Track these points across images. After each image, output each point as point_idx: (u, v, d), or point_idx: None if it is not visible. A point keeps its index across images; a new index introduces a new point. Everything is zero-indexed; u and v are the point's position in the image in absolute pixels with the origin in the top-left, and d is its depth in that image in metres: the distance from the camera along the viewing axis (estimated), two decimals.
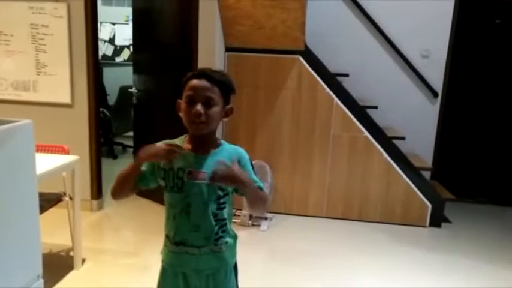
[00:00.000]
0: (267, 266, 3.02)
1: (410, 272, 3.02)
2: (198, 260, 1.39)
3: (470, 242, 3.57)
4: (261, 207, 1.41)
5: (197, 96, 1.32)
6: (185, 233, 1.38)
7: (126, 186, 1.39)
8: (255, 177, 1.39)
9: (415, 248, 3.43)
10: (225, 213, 1.41)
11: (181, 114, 1.37)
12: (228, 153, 1.39)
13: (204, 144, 1.40)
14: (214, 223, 1.38)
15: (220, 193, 1.38)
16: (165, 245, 1.45)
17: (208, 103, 1.32)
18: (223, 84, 1.36)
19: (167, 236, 1.43)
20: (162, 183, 1.40)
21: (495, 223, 4.03)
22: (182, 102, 1.36)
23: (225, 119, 1.42)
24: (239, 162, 1.37)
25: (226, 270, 1.45)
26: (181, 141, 1.42)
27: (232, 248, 1.47)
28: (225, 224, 1.42)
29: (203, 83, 1.33)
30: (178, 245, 1.39)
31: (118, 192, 1.41)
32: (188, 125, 1.36)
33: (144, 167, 1.39)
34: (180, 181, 1.36)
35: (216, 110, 1.34)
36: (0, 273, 1.42)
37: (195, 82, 1.34)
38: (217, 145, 1.41)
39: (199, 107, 1.31)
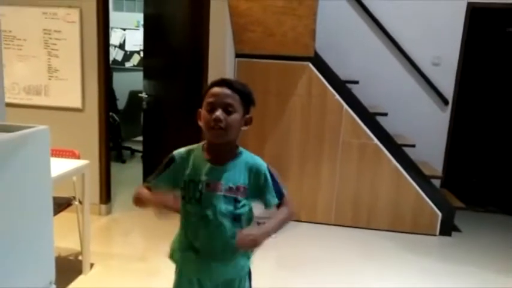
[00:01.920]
0: (275, 273, 3.00)
1: (419, 282, 2.99)
2: (213, 269, 1.39)
3: (480, 252, 3.53)
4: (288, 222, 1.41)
5: (217, 103, 1.32)
6: (202, 243, 1.38)
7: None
8: (272, 194, 1.39)
9: (424, 257, 3.39)
10: (243, 221, 1.40)
11: (201, 123, 1.36)
12: (244, 164, 1.38)
13: (222, 153, 1.39)
14: (230, 233, 1.37)
15: (238, 203, 1.37)
16: (181, 250, 1.44)
17: (228, 110, 1.32)
18: (244, 93, 1.36)
19: (183, 243, 1.43)
20: (181, 193, 1.40)
21: (506, 232, 3.98)
22: (203, 110, 1.35)
23: (244, 128, 1.41)
24: (255, 174, 1.37)
25: (240, 277, 1.45)
26: (200, 148, 1.42)
27: (248, 256, 1.46)
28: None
29: (224, 90, 1.33)
30: (195, 252, 1.39)
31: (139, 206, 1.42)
32: (207, 132, 1.35)
33: (161, 181, 1.41)
34: (198, 193, 1.36)
35: (235, 117, 1.33)
36: (13, 279, 1.42)
37: (215, 89, 1.34)
38: (235, 155, 1.40)
39: (219, 113, 1.31)
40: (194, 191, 1.36)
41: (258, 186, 1.38)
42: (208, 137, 1.37)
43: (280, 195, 1.41)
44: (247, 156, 1.42)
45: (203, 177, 1.36)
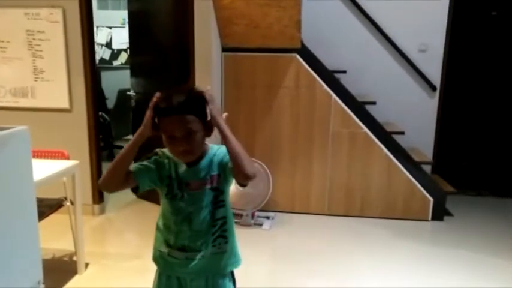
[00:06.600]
0: (270, 265, 3.01)
1: (413, 267, 3.02)
2: (198, 263, 1.39)
3: (473, 235, 3.57)
4: (246, 162, 1.26)
5: (176, 135, 1.28)
6: (186, 239, 1.40)
7: (121, 168, 1.30)
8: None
9: (418, 242, 3.43)
10: (224, 212, 1.42)
11: (165, 143, 1.33)
12: (212, 156, 1.40)
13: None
14: (213, 225, 1.40)
15: (217, 193, 1.40)
16: (161, 250, 1.44)
17: (188, 134, 1.29)
18: (194, 108, 1.28)
19: (166, 242, 1.43)
20: (165, 191, 1.40)
21: (497, 215, 4.03)
22: (163, 136, 1.32)
23: (211, 134, 1.35)
24: (219, 155, 1.38)
25: (224, 275, 1.46)
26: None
27: (233, 248, 1.46)
28: (225, 223, 1.43)
29: (176, 119, 1.27)
30: (180, 250, 1.40)
31: (110, 176, 1.30)
32: (175, 156, 1.36)
33: (143, 166, 1.37)
34: (180, 192, 1.38)
35: (198, 135, 1.31)
36: (0, 281, 1.42)
37: (167, 121, 1.28)
38: (206, 151, 1.40)
39: (182, 148, 1.30)
40: (177, 189, 1.38)
41: (222, 163, 1.38)
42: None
43: None
44: (215, 148, 1.42)
45: (183, 176, 1.38)
